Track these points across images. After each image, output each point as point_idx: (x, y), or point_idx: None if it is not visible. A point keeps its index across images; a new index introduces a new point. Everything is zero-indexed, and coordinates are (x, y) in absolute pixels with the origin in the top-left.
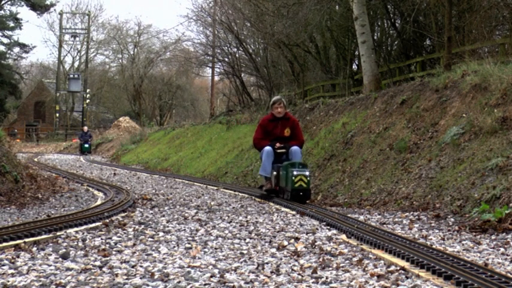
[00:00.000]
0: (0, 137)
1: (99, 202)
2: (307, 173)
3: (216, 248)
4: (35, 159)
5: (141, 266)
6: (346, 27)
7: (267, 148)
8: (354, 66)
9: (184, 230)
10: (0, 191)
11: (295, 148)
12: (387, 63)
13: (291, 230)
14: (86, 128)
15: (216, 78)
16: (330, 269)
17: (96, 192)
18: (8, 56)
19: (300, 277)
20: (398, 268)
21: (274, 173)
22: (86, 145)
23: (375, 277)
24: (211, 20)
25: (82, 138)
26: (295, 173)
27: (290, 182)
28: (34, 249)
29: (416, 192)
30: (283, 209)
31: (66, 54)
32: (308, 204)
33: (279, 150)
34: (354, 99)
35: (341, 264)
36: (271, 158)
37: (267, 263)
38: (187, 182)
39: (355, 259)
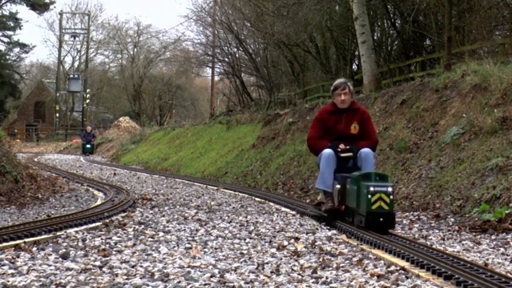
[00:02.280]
0: (0, 137)
1: (99, 202)
2: (390, 189)
3: (216, 248)
4: (35, 159)
5: (141, 266)
6: (346, 27)
7: (327, 151)
8: (354, 66)
9: (184, 230)
10: (0, 191)
11: (366, 151)
12: (387, 63)
13: (291, 230)
14: (89, 128)
15: (216, 78)
16: (330, 269)
17: (96, 192)
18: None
19: (300, 277)
20: (398, 268)
21: (338, 186)
22: (88, 145)
23: (375, 277)
24: (211, 20)
25: (85, 138)
26: (371, 189)
27: (364, 202)
28: (34, 249)
29: (416, 192)
30: (283, 209)
31: (66, 54)
32: (308, 204)
33: (343, 155)
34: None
35: (341, 264)
36: (333, 165)
37: (267, 263)
38: (187, 182)
39: (355, 259)
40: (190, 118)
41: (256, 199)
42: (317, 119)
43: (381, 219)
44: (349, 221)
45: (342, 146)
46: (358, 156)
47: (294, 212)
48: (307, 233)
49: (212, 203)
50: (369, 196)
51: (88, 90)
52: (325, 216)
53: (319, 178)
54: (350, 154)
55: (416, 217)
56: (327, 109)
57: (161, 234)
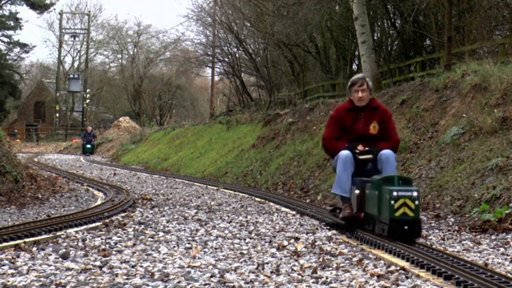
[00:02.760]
0: (0, 137)
1: (99, 202)
2: (415, 194)
3: (216, 248)
4: (35, 159)
5: (141, 266)
6: (346, 27)
7: (344, 153)
8: (354, 66)
9: (184, 230)
10: (0, 191)
11: (387, 153)
12: (387, 63)
13: (291, 230)
14: (90, 128)
15: (216, 78)
16: (330, 269)
17: (96, 192)
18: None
19: (300, 277)
20: (398, 268)
21: (357, 191)
22: (89, 145)
23: (375, 277)
24: (211, 20)
25: (85, 138)
26: (394, 194)
27: (386, 208)
28: (34, 249)
29: None
30: (283, 209)
31: (66, 54)
32: (308, 204)
33: (361, 157)
34: None
35: (341, 264)
36: (351, 169)
37: (267, 263)
38: (187, 182)
39: (355, 259)
40: (190, 118)
41: (256, 199)
42: (333, 118)
43: (406, 227)
44: (369, 230)
45: (360, 147)
46: (378, 158)
47: (294, 212)
48: (307, 233)
49: (212, 203)
50: (392, 202)
51: (88, 90)
52: (342, 224)
53: (335, 182)
54: (369, 156)
55: None
56: (344, 107)
57: (161, 234)
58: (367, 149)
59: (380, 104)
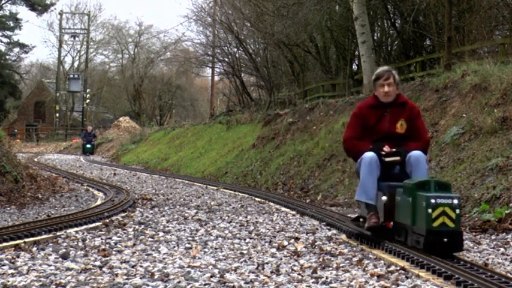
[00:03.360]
0: (0, 137)
1: (99, 202)
2: (456, 202)
3: (216, 248)
4: (35, 159)
5: (141, 266)
6: (346, 27)
7: (369, 155)
8: (354, 66)
9: (184, 230)
10: (0, 191)
11: (416, 155)
12: (387, 63)
13: (291, 230)
14: (90, 128)
15: (216, 78)
16: (330, 269)
17: (96, 192)
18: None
19: (300, 277)
20: (398, 268)
21: (384, 198)
22: (89, 145)
23: (375, 277)
24: (211, 20)
25: (85, 138)
26: (432, 201)
27: (422, 218)
28: (34, 249)
29: None
30: (283, 209)
31: (66, 54)
32: (308, 204)
33: (388, 159)
34: (354, 99)
35: (341, 264)
36: (377, 172)
37: (267, 263)
38: (187, 182)
39: (355, 259)
40: (190, 118)
41: (256, 199)
42: (355, 116)
43: (445, 239)
44: (400, 241)
45: (386, 148)
46: (407, 160)
47: (294, 212)
48: (307, 233)
49: (212, 203)
50: (429, 210)
51: (88, 90)
52: (367, 234)
53: (359, 188)
54: (397, 158)
55: None
56: (367, 103)
57: (161, 234)
58: (394, 150)
59: (407, 100)
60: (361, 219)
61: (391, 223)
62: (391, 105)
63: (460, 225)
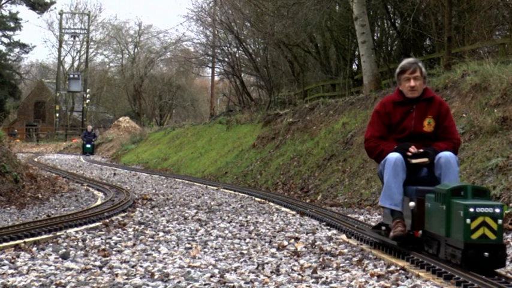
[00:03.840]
0: (0, 137)
1: (99, 202)
2: (498, 211)
3: (216, 248)
4: (35, 159)
5: (141, 266)
6: (346, 27)
7: (394, 156)
8: (354, 66)
9: (184, 230)
10: (0, 191)
11: (446, 156)
12: (387, 63)
13: (291, 230)
14: (90, 127)
15: (216, 78)
16: (330, 269)
17: (96, 192)
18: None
19: (300, 277)
20: (398, 268)
21: (412, 204)
22: (88, 145)
23: (375, 277)
24: (211, 20)
25: (85, 137)
26: (471, 210)
27: (459, 228)
28: (34, 249)
29: None
30: (283, 209)
31: (66, 54)
32: (308, 204)
33: (415, 161)
34: (354, 99)
35: (341, 264)
36: (402, 176)
37: (267, 263)
38: (187, 182)
39: (355, 259)
40: (190, 118)
41: (256, 199)
42: (378, 113)
43: (486, 254)
44: (432, 254)
45: (412, 148)
46: (436, 162)
47: (294, 212)
48: (307, 233)
49: (212, 203)
50: (468, 221)
51: (88, 90)
52: (393, 245)
53: (383, 193)
54: (425, 160)
55: None
56: (391, 99)
57: (161, 234)
58: (421, 150)
59: (435, 95)
60: (383, 227)
61: (420, 232)
62: (418, 101)
63: (503, 237)
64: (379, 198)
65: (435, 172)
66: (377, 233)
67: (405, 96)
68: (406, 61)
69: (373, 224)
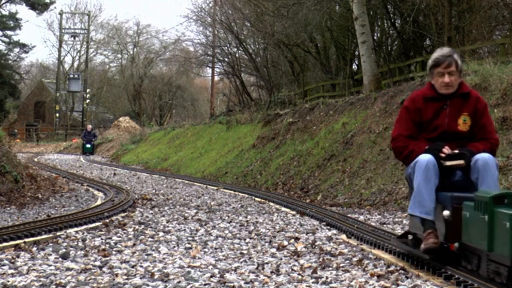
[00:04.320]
0: (0, 137)
1: (99, 202)
2: None
3: (216, 248)
4: (35, 159)
5: (141, 266)
6: (346, 27)
7: (425, 158)
8: (354, 66)
9: (184, 230)
10: (0, 191)
11: (485, 158)
12: (387, 63)
13: (291, 230)
14: (90, 127)
15: (216, 78)
16: (330, 269)
17: (96, 192)
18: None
19: (300, 277)
20: (398, 268)
21: (446, 212)
22: (88, 145)
23: (375, 277)
24: (211, 20)
25: (85, 137)
26: None
27: (505, 242)
28: (34, 249)
29: None
30: (283, 209)
31: (66, 54)
32: (308, 204)
33: (449, 163)
34: (354, 99)
35: (341, 264)
36: (435, 180)
37: (267, 263)
38: (187, 182)
39: (355, 259)
40: (190, 118)
41: (256, 199)
42: (407, 109)
43: None
44: (469, 269)
45: (446, 149)
46: (473, 165)
47: (294, 212)
48: (307, 233)
49: (212, 203)
50: None
51: (88, 90)
52: (424, 257)
53: (413, 199)
54: (460, 162)
55: None
56: (422, 94)
57: (161, 234)
58: (456, 151)
59: (472, 90)
60: (409, 237)
61: (456, 245)
62: (452, 97)
63: None
64: (409, 206)
65: (471, 176)
66: (403, 243)
67: (437, 92)
68: (439, 53)
69: (373, 224)
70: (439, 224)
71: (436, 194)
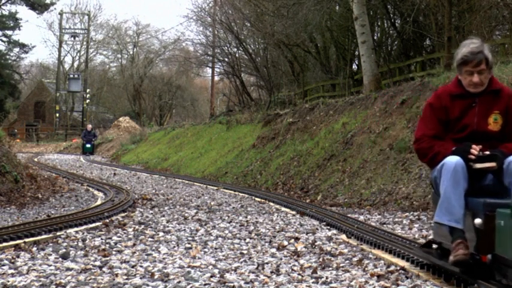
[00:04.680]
0: (0, 137)
1: (99, 202)
2: None
3: (216, 248)
4: (35, 159)
5: (141, 266)
6: (346, 27)
7: (453, 160)
8: (354, 66)
9: (184, 230)
10: (0, 191)
11: None
12: (387, 63)
13: (291, 230)
14: (90, 127)
15: (216, 78)
16: (330, 269)
17: (96, 192)
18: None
19: (300, 277)
20: (398, 268)
21: (478, 221)
22: (88, 145)
23: (375, 277)
24: (211, 20)
25: (85, 137)
26: None
27: None
28: (34, 249)
29: (416, 192)
30: (283, 209)
31: (66, 54)
32: (308, 204)
33: (479, 165)
34: (354, 99)
35: (341, 264)
36: (464, 184)
37: (267, 263)
38: (187, 182)
39: (355, 259)
40: (190, 118)
41: (256, 199)
42: (431, 107)
43: None
44: (504, 284)
45: (475, 149)
46: (506, 168)
47: (294, 212)
48: (307, 233)
49: (212, 203)
50: None
51: (88, 90)
52: (453, 270)
53: (439, 205)
54: (492, 164)
55: (416, 217)
56: (449, 90)
57: (161, 234)
58: (487, 153)
59: (503, 86)
60: (434, 246)
61: (489, 257)
62: (482, 94)
63: None
64: (435, 213)
65: (504, 180)
66: (427, 252)
67: (465, 89)
68: (468, 49)
69: (373, 224)
70: (469, 233)
71: (465, 200)
